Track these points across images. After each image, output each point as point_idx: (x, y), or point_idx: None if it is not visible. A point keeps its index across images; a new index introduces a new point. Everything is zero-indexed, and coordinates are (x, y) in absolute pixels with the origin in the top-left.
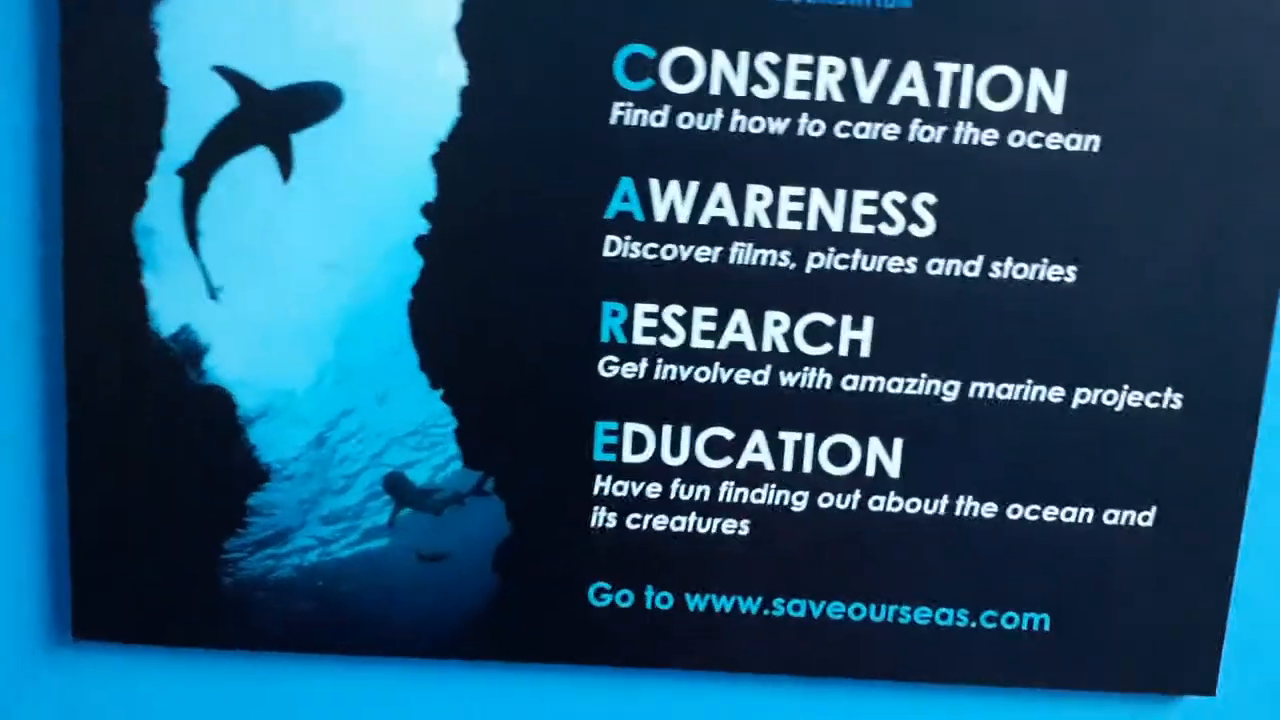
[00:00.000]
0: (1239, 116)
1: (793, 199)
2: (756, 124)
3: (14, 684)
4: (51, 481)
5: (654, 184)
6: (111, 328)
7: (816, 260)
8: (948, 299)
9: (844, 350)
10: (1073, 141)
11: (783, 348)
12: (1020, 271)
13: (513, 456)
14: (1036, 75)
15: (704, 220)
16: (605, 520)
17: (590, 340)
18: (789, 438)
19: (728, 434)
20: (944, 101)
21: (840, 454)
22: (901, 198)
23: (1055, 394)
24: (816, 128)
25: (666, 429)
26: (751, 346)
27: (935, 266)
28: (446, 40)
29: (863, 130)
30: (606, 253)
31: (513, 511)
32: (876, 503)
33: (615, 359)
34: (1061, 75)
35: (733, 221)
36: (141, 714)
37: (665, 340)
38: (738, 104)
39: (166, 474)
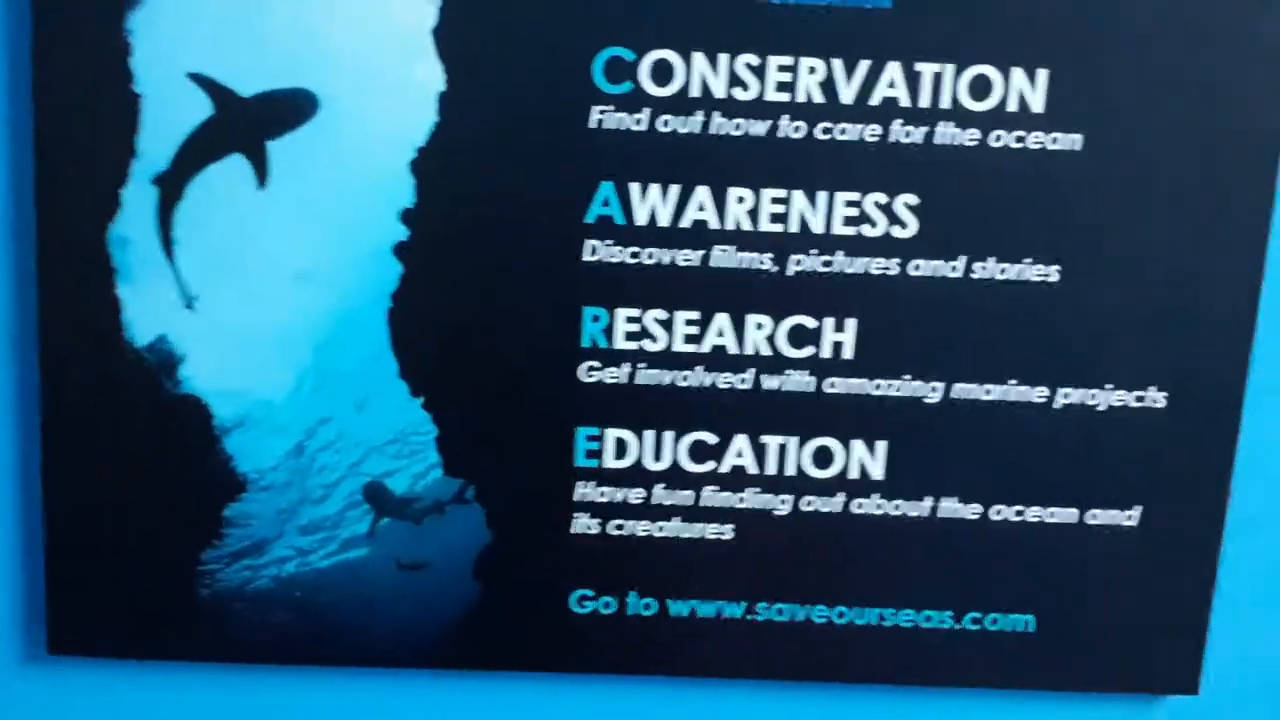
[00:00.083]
0: (1221, 114)
1: (774, 201)
2: (737, 126)
3: None
4: (26, 495)
5: (634, 187)
6: (86, 338)
7: (798, 262)
8: (930, 300)
9: (826, 353)
10: (1054, 141)
11: (765, 351)
12: (1003, 272)
13: (494, 464)
14: (1017, 74)
15: (685, 223)
16: (587, 527)
17: (571, 345)
18: (772, 441)
19: (710, 438)
20: (925, 102)
21: (823, 457)
22: (883, 199)
23: (1039, 394)
24: (797, 129)
25: (649, 434)
26: (734, 350)
27: (917, 268)
28: (424, 45)
29: (844, 131)
30: (587, 257)
31: (494, 519)
32: (860, 505)
33: (597, 364)
34: (1043, 74)
35: (714, 224)
36: None
37: (647, 344)
38: (718, 106)
39: (142, 485)
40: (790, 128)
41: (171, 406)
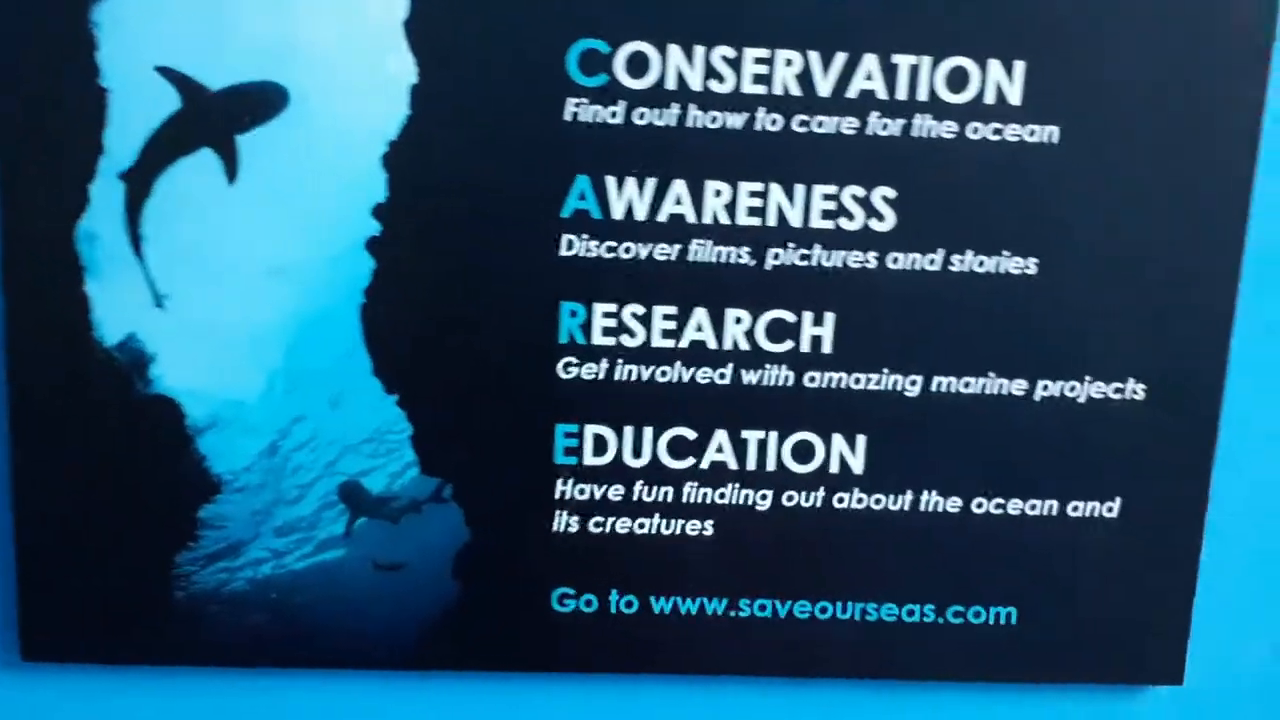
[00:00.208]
0: (1198, 104)
1: (751, 195)
2: (713, 119)
3: None
4: None
5: (610, 181)
6: (54, 338)
7: (776, 256)
8: (909, 293)
9: (805, 347)
10: (1031, 133)
11: (744, 345)
12: (981, 264)
13: (471, 462)
14: (994, 66)
15: (662, 217)
16: (567, 524)
17: (548, 341)
18: (752, 436)
19: (690, 434)
20: (902, 94)
21: (804, 451)
22: (861, 192)
23: (1018, 387)
24: (774, 122)
25: (628, 430)
26: (712, 345)
27: (896, 261)
28: (395, 37)
29: (821, 124)
30: (563, 252)
31: (472, 518)
32: (841, 500)
33: (575, 360)
34: (1020, 66)
35: (691, 218)
36: None
37: (625, 340)
38: (694, 99)
39: (114, 487)
40: (767, 120)
41: (143, 407)
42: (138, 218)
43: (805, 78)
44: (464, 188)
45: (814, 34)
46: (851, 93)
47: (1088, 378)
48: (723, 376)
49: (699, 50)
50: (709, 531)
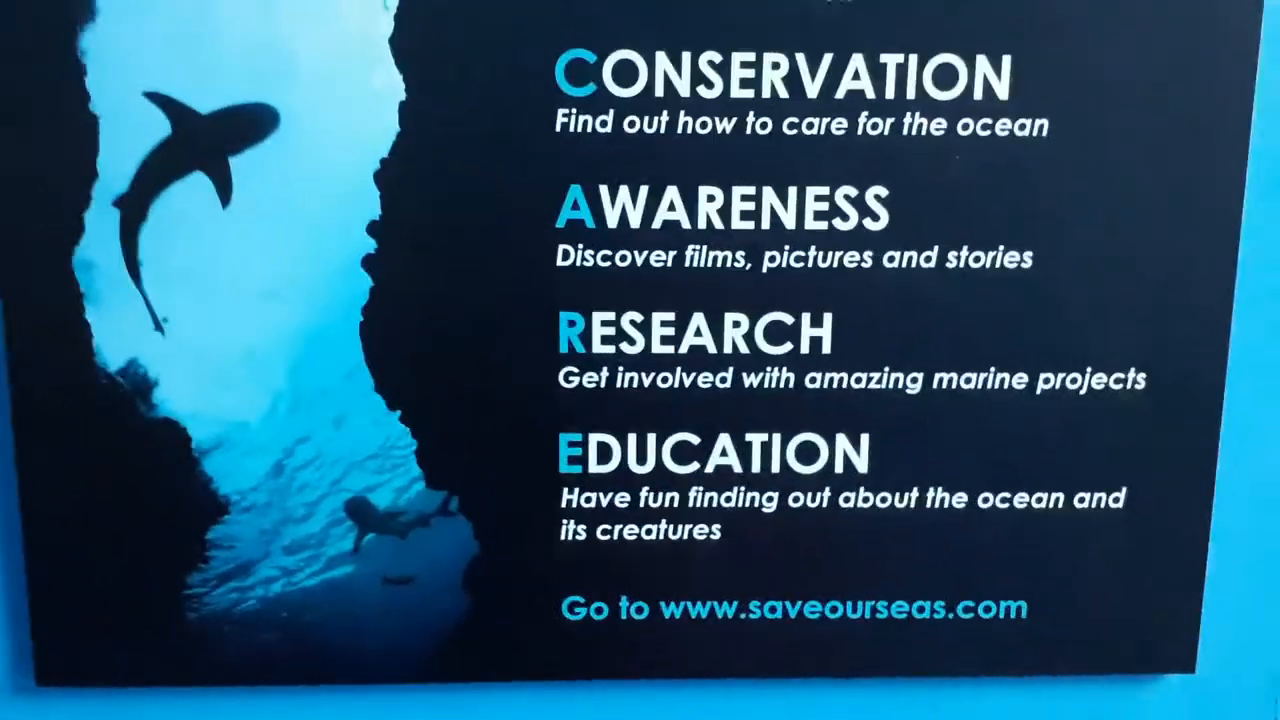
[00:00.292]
0: (1187, 94)
1: (745, 199)
2: (703, 124)
3: None
4: (5, 527)
5: (604, 190)
6: (57, 365)
7: (772, 259)
8: (906, 291)
9: (805, 348)
10: (1021, 127)
11: (744, 349)
12: (976, 260)
13: (477, 474)
14: (982, 61)
15: (656, 224)
16: (575, 533)
17: (549, 352)
18: (755, 439)
19: (694, 439)
20: (890, 93)
21: (808, 452)
22: (854, 191)
23: (1019, 380)
24: (764, 125)
25: (632, 437)
26: (712, 349)
27: (891, 259)
28: (381, 54)
29: (810, 125)
30: (560, 262)
31: (480, 530)
32: (847, 499)
33: (575, 369)
34: (1006, 60)
35: (685, 224)
36: None
37: (625, 348)
38: (683, 105)
39: (123, 512)
40: (757, 124)
41: (148, 431)
42: (134, 243)
43: (793, 80)
44: (457, 202)
45: (800, 36)
46: (840, 93)
47: (1089, 369)
48: (724, 380)
49: (686, 56)
50: (716, 535)
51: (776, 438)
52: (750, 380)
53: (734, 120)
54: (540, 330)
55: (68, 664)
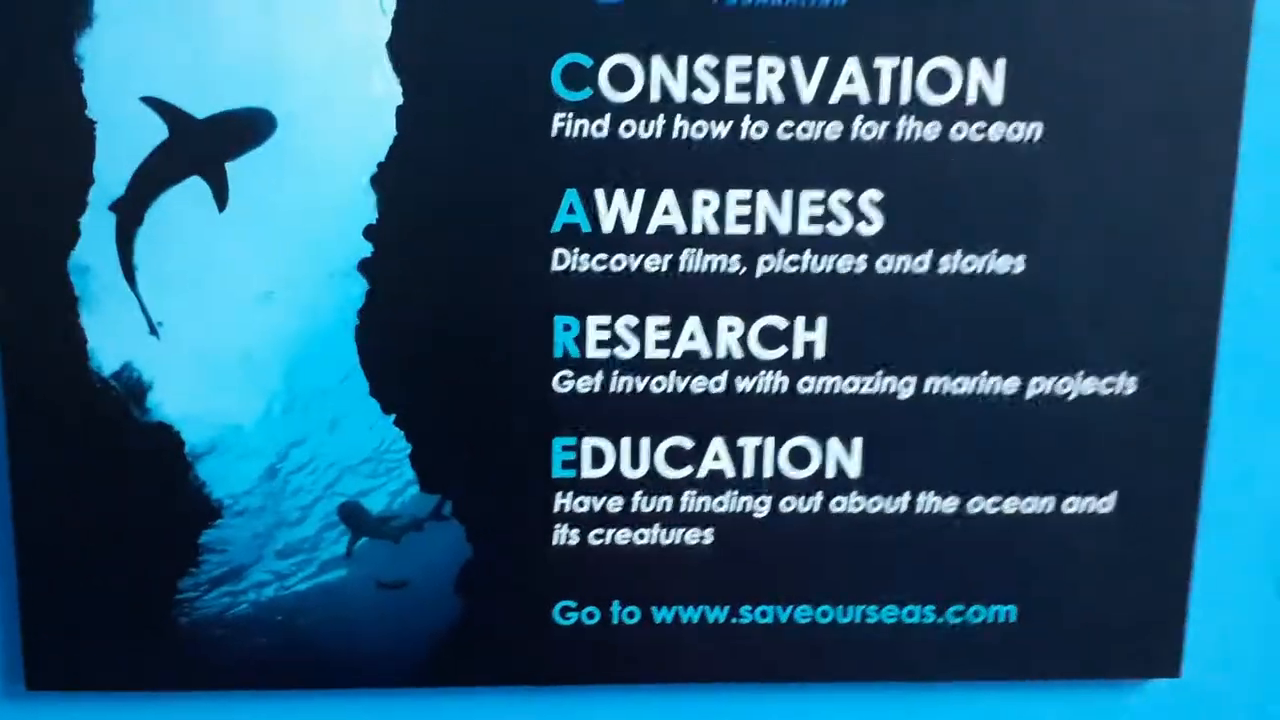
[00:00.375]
0: (1180, 98)
1: (739, 203)
2: (699, 129)
3: None
4: None
5: (599, 194)
6: (50, 369)
7: (767, 263)
8: (899, 295)
9: (799, 353)
10: (1015, 131)
11: (737, 353)
12: (969, 264)
13: (470, 478)
14: (976, 65)
15: (652, 229)
16: (567, 537)
17: (543, 356)
18: (748, 443)
19: (687, 443)
20: (885, 97)
21: (800, 457)
22: (848, 196)
23: (1010, 385)
24: (759, 130)
25: (625, 441)
26: (706, 354)
27: (885, 263)
28: (378, 58)
29: (805, 130)
30: (555, 266)
31: (473, 534)
32: (839, 504)
33: (569, 373)
34: (1000, 64)
35: (681, 229)
36: None
37: (619, 352)
38: (679, 109)
39: (115, 515)
40: (752, 129)
41: (142, 434)
42: (130, 248)
43: (788, 84)
44: (453, 206)
45: (795, 41)
46: (834, 98)
47: (1079, 373)
48: (718, 385)
49: (681, 61)
50: (709, 540)
51: (769, 442)
52: (744, 384)
53: (729, 125)
54: (535, 334)
55: (58, 668)
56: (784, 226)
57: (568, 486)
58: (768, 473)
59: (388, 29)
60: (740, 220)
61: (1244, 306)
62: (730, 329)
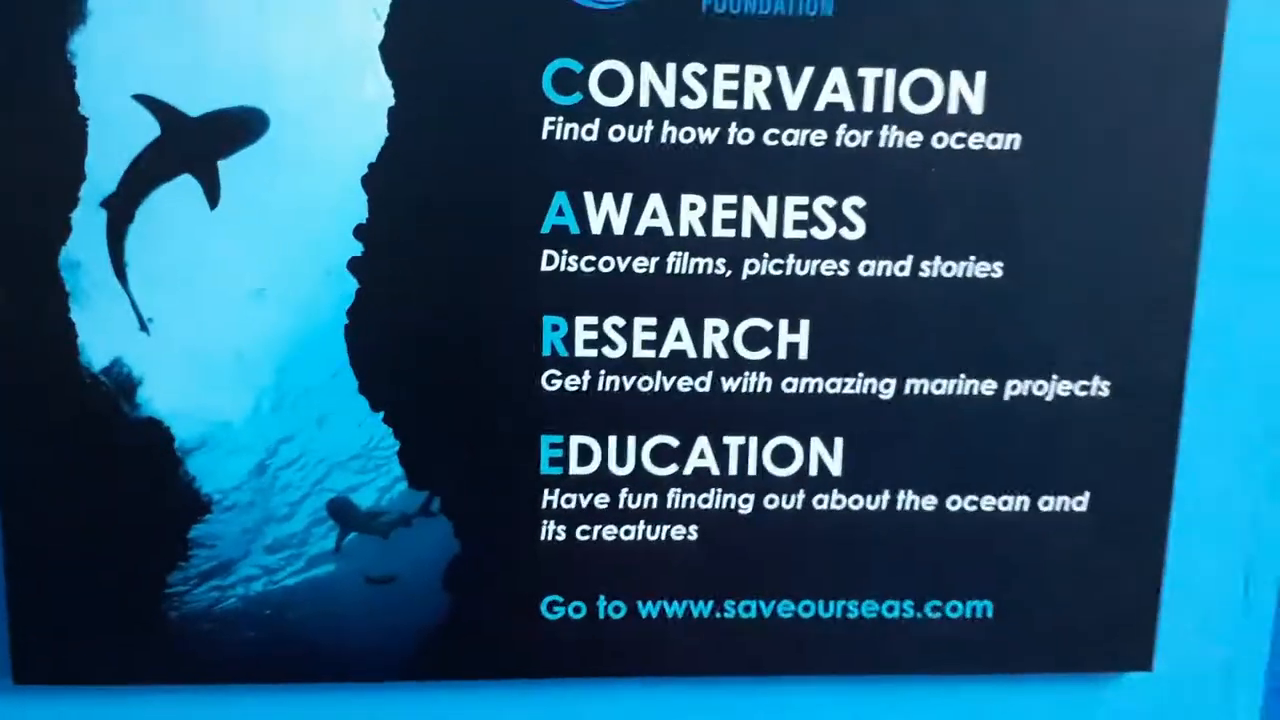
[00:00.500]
0: (1153, 110)
1: (726, 207)
2: (687, 134)
3: None
4: None
5: (588, 197)
6: (41, 364)
7: (752, 266)
8: (880, 299)
9: (783, 354)
10: (994, 141)
11: (723, 354)
12: (949, 270)
13: (458, 475)
14: (957, 77)
15: (639, 231)
16: (555, 533)
17: (532, 355)
18: (733, 442)
19: (673, 441)
20: (868, 106)
21: (783, 455)
22: (831, 202)
23: (988, 387)
24: (745, 136)
25: (612, 439)
26: (692, 354)
27: (867, 268)
28: (371, 61)
29: (791, 137)
30: (544, 267)
31: (461, 530)
32: (820, 501)
33: (557, 372)
34: (981, 76)
35: (668, 232)
36: None
37: (607, 351)
38: (667, 115)
39: (105, 509)
40: (739, 135)
41: (132, 430)
42: (121, 244)
43: (774, 92)
44: (444, 207)
45: (781, 49)
46: (819, 106)
47: (1054, 376)
48: (703, 385)
49: (670, 67)
50: (693, 536)
51: (753, 441)
52: (729, 385)
53: (716, 130)
54: (524, 334)
55: (46, 662)
56: (769, 230)
57: (555, 483)
58: (752, 471)
59: (381, 32)
60: (726, 224)
61: (1214, 313)
62: (716, 330)
